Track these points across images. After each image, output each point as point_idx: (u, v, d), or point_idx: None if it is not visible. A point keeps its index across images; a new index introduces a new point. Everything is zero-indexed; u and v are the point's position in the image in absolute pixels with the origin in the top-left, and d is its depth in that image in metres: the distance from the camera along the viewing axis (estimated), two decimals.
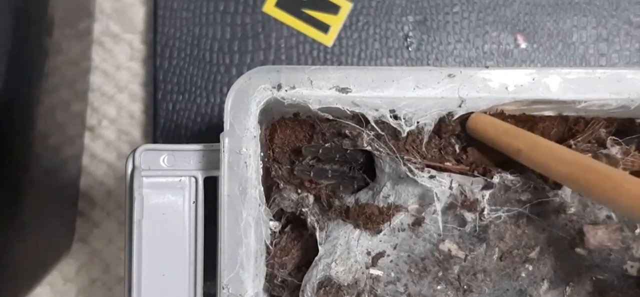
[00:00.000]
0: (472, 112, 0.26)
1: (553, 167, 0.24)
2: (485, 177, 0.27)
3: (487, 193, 0.26)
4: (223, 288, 0.25)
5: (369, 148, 0.26)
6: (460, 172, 0.27)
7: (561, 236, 0.27)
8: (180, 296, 0.27)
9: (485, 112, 0.27)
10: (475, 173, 0.27)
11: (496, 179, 0.26)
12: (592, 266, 0.27)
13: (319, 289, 0.26)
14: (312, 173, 0.27)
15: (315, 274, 0.27)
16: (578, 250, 0.27)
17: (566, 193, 0.26)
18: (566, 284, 0.27)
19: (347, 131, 0.26)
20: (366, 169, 0.28)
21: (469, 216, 0.26)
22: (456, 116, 0.26)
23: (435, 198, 0.26)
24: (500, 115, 0.27)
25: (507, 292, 0.27)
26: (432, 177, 0.26)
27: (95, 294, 0.43)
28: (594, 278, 0.27)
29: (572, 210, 0.27)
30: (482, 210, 0.26)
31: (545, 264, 0.27)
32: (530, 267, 0.27)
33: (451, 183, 0.26)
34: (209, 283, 0.28)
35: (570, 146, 0.27)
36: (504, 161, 0.27)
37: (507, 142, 0.25)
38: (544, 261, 0.27)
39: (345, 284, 0.26)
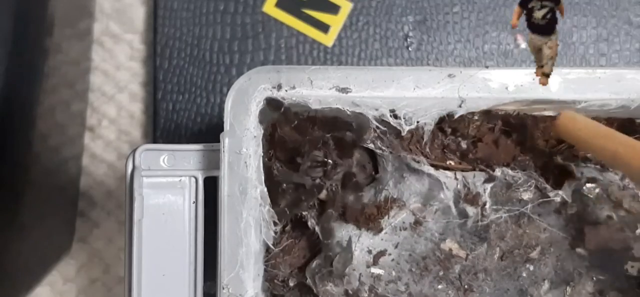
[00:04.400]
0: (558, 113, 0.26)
1: None
2: (487, 171, 0.27)
3: (489, 186, 0.26)
4: (223, 288, 0.25)
5: (371, 146, 0.26)
6: (463, 170, 0.27)
7: (562, 236, 0.27)
8: (180, 296, 0.27)
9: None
10: (477, 169, 0.27)
11: (498, 173, 0.26)
12: (592, 266, 0.27)
13: (319, 285, 0.26)
14: (307, 165, 0.27)
15: (315, 270, 0.27)
16: (579, 250, 0.27)
17: (567, 193, 0.26)
18: (567, 284, 0.27)
19: (353, 124, 0.26)
20: (373, 167, 0.28)
21: (470, 209, 0.26)
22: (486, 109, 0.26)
23: (444, 187, 0.26)
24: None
25: (508, 292, 0.27)
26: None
27: (95, 294, 0.43)
28: (594, 278, 0.27)
29: (573, 210, 0.27)
30: (484, 204, 0.26)
31: (546, 264, 0.27)
32: (531, 267, 0.27)
33: (455, 176, 0.26)
34: (209, 283, 0.28)
35: None
36: (512, 159, 0.27)
37: (603, 145, 0.24)
38: (544, 261, 0.27)
39: (345, 281, 0.26)
